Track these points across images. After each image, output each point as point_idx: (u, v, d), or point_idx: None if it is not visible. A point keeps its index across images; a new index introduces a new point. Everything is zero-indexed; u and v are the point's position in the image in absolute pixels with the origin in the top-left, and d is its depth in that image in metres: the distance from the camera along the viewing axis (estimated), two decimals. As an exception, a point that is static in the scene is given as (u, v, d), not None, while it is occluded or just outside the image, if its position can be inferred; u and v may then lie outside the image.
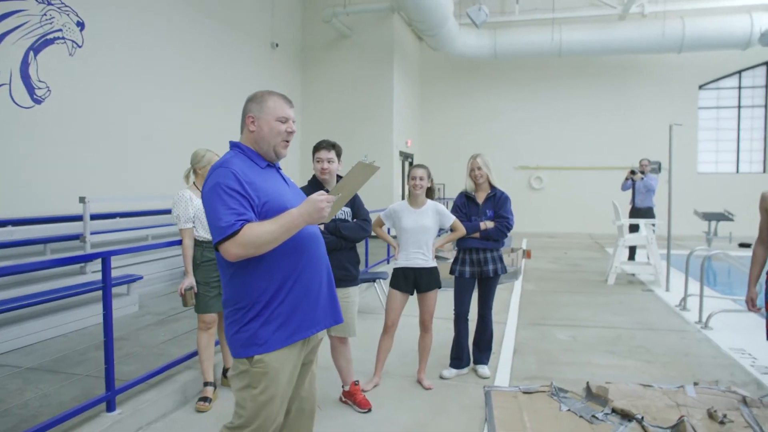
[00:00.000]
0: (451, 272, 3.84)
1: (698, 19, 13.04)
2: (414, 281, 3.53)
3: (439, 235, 3.79)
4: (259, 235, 1.63)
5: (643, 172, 8.46)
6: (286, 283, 1.76)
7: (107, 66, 7.26)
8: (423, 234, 3.53)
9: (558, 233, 15.02)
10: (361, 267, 7.33)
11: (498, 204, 3.78)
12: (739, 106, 15.36)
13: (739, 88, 15.29)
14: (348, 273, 3.12)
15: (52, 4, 6.47)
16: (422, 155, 15.72)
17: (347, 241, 3.08)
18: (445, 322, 4.63)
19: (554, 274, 8.27)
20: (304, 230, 1.78)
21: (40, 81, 6.31)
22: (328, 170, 3.09)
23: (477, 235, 3.72)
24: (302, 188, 3.05)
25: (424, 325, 3.63)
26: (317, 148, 3.11)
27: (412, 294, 3.57)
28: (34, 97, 6.25)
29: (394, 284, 3.58)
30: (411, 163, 15.11)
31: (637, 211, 8.48)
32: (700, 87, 15.28)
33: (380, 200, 11.48)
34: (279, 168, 1.97)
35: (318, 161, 3.09)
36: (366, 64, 13.15)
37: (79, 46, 6.84)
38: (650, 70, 15.16)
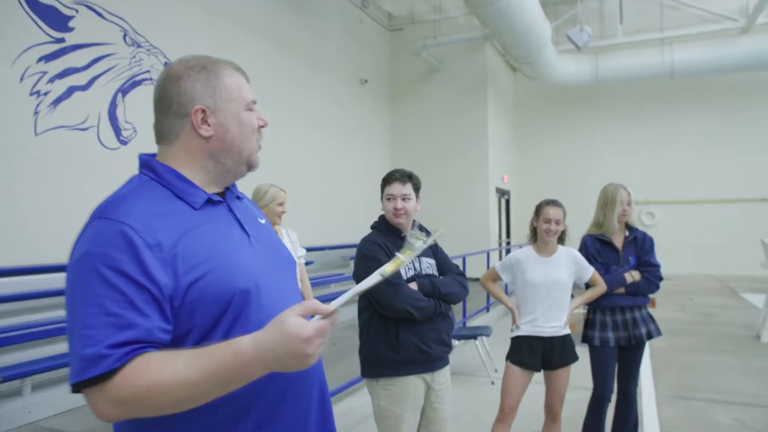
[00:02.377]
0: (586, 340, 2.97)
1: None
2: (542, 354, 2.71)
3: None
4: (161, 385, 0.84)
5: None
6: None
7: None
8: (556, 291, 2.71)
9: (676, 275, 13.32)
10: (458, 318, 6.53)
11: (643, 249, 2.91)
12: None
13: None
14: (447, 348, 2.34)
15: (141, 47, 6.43)
16: (520, 191, 14.73)
17: (447, 303, 2.31)
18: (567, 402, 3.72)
19: (686, 327, 6.99)
20: None
21: (126, 122, 6.21)
22: (404, 211, 2.29)
23: (622, 290, 2.85)
24: (368, 240, 2.30)
25: (552, 412, 2.79)
26: (387, 180, 2.34)
27: (538, 371, 2.75)
28: (121, 138, 6.15)
29: (514, 358, 2.76)
30: (508, 201, 14.17)
31: None
32: None
33: (474, 244, 10.66)
34: (237, 197, 1.16)
35: (389, 199, 2.30)
36: (458, 97, 12.54)
37: (167, 87, 6.74)
38: (780, 90, 13.38)
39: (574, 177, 14.29)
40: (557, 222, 2.71)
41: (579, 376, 3.09)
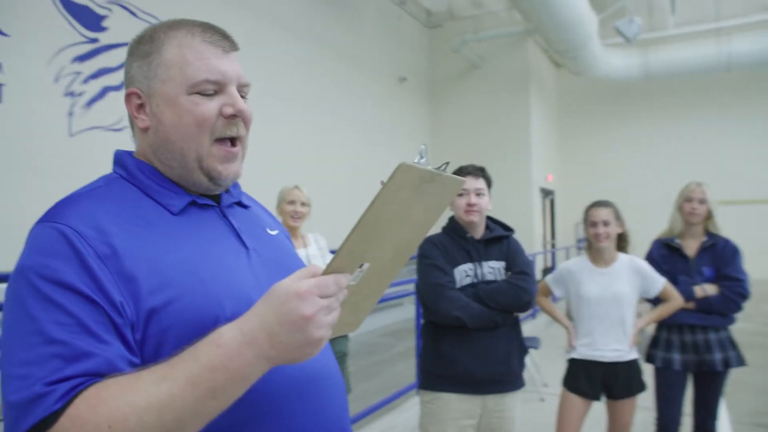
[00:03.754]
0: (649, 359, 2.60)
1: None
2: (603, 382, 2.36)
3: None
4: (126, 415, 0.60)
5: None
6: None
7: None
8: (616, 307, 2.35)
9: (734, 279, 12.54)
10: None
11: (723, 258, 2.52)
12: None
13: None
14: (508, 370, 1.98)
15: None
16: (566, 191, 14.17)
17: (505, 312, 1.96)
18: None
19: (754, 339, 6.44)
20: (288, 368, 0.74)
21: (160, 123, 6.12)
22: (477, 207, 2.02)
23: (690, 305, 2.48)
24: (427, 240, 2.03)
25: None
26: (459, 174, 2.04)
27: (598, 400, 2.40)
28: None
29: (570, 385, 2.42)
30: (553, 202, 13.64)
31: None
32: None
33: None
34: (238, 202, 0.92)
35: (461, 194, 2.03)
36: (499, 95, 12.12)
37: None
38: None
39: (624, 178, 13.65)
40: (606, 223, 2.37)
41: (642, 395, 2.73)
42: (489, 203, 2.09)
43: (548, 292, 2.56)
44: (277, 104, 7.94)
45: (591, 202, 2.49)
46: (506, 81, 12.13)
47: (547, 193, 13.23)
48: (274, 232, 0.95)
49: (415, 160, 0.72)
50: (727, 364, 2.49)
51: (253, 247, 0.85)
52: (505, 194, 11.85)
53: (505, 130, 12.07)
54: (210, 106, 0.80)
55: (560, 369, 2.54)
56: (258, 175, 7.66)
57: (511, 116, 12.04)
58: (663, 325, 2.57)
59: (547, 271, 11.49)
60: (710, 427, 2.55)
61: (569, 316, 2.55)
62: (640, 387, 2.38)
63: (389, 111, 10.82)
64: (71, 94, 5.22)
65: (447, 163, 0.75)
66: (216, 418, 0.65)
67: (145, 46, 0.82)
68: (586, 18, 9.96)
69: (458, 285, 1.98)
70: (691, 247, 2.58)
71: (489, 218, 2.16)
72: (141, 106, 0.82)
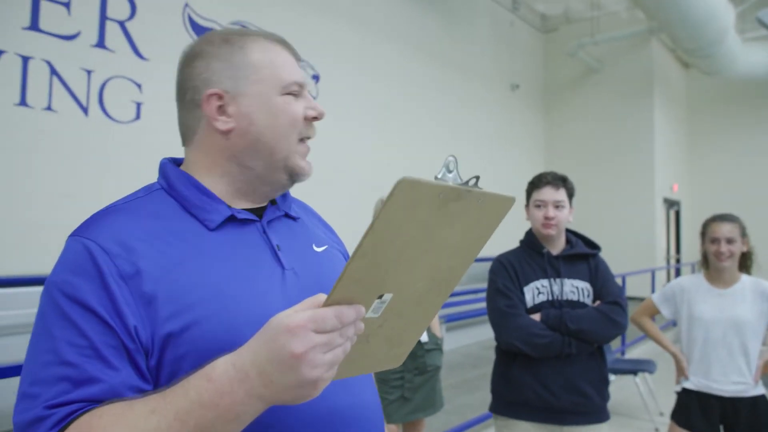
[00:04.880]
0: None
1: None
2: (722, 419, 2.12)
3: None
4: None
5: None
6: None
7: (342, 116, 7.25)
8: (736, 333, 2.11)
9: None
10: (614, 347, 5.76)
11: None
12: None
13: None
14: (585, 400, 1.83)
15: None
16: (693, 203, 13.00)
17: (581, 341, 1.82)
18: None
19: None
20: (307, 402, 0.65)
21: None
22: (555, 221, 1.89)
23: None
24: (496, 259, 1.96)
25: None
26: (536, 184, 1.95)
27: None
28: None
29: (681, 419, 2.20)
30: (678, 213, 12.58)
31: None
32: None
33: (637, 261, 9.53)
34: (286, 214, 0.87)
35: (538, 206, 1.92)
36: (619, 100, 11.42)
37: (314, 97, 6.92)
38: None
39: (758, 187, 12.24)
40: (729, 241, 2.11)
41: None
42: (570, 215, 1.94)
43: (654, 312, 2.33)
44: (389, 117, 8.09)
45: (712, 215, 2.24)
46: (627, 85, 11.41)
47: (671, 204, 12.22)
48: (321, 249, 0.88)
49: (438, 175, 0.64)
50: None
51: (290, 267, 0.80)
52: (624, 204, 11.13)
53: (625, 137, 11.34)
54: (299, 107, 0.81)
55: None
56: (371, 189, 7.84)
57: (632, 122, 11.29)
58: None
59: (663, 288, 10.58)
60: None
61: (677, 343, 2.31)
62: None
63: (500, 120, 10.61)
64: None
65: (477, 178, 0.64)
66: None
67: (222, 48, 0.80)
68: (722, 11, 9.10)
69: (531, 303, 1.87)
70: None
71: (571, 232, 2.01)
72: (220, 108, 0.79)
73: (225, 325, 0.69)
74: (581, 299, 1.89)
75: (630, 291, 5.45)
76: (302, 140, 0.82)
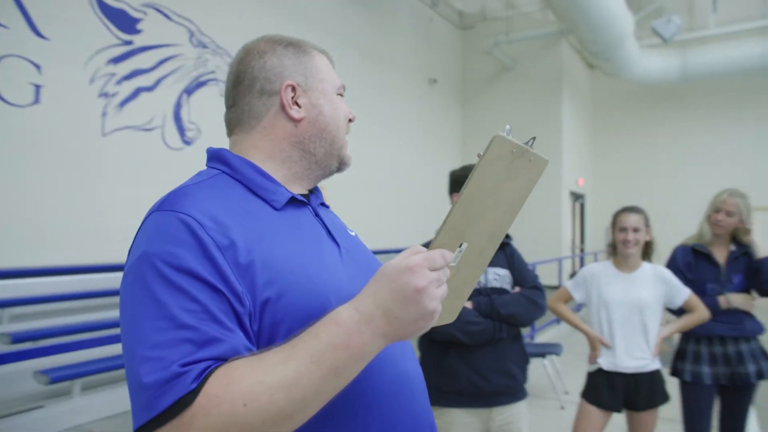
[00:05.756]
0: (676, 373, 2.52)
1: None
2: (625, 393, 2.29)
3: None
4: (259, 394, 0.62)
5: None
6: None
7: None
8: (638, 314, 2.29)
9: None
10: (523, 331, 6.06)
11: (760, 269, 2.42)
12: None
13: None
14: (513, 381, 1.96)
15: (207, 47, 6.43)
16: (597, 196, 13.89)
17: (511, 325, 1.94)
18: None
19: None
20: (376, 365, 0.76)
21: (190, 122, 6.23)
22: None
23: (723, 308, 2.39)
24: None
25: None
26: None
27: (620, 411, 2.33)
28: (185, 138, 6.17)
29: (590, 396, 2.35)
30: (583, 206, 13.38)
31: None
32: None
33: (545, 251, 10.03)
34: (322, 204, 0.96)
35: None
36: (531, 97, 11.97)
37: (232, 88, 6.73)
38: None
39: (660, 184, 13.28)
40: (636, 230, 2.31)
41: (667, 408, 2.64)
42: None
43: (568, 298, 2.49)
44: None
45: (621, 207, 2.43)
46: (539, 83, 11.97)
47: (577, 197, 12.99)
48: (353, 233, 1.00)
49: (505, 134, 0.71)
50: (760, 376, 2.38)
51: (343, 246, 0.89)
52: (534, 197, 11.58)
53: (536, 132, 11.71)
54: (347, 108, 0.97)
55: (582, 376, 2.48)
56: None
57: (543, 119, 11.87)
58: (690, 336, 2.48)
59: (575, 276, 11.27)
60: (739, 445, 2.45)
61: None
62: (664, 398, 2.31)
63: (419, 112, 10.79)
64: (105, 94, 5.37)
65: (533, 138, 0.75)
66: (319, 412, 0.67)
67: (289, 49, 0.91)
68: (622, 18, 9.74)
69: None
70: (720, 254, 2.48)
71: None
72: (295, 98, 0.89)
73: (313, 293, 0.75)
74: (503, 286, 1.99)
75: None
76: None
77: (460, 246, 0.71)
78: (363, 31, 9.14)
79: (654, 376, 2.30)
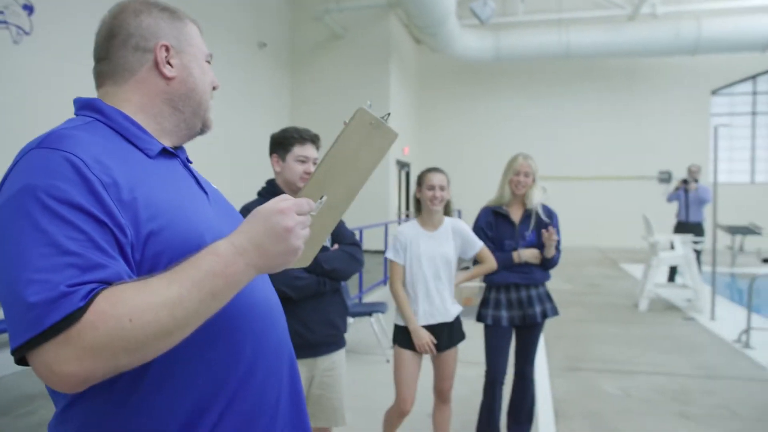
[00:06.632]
0: (480, 319, 2.84)
1: (715, 20, 12.21)
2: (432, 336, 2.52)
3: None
4: (144, 311, 0.68)
5: (696, 181, 7.52)
6: (208, 412, 0.82)
7: (60, 57, 6.27)
8: (445, 267, 2.52)
9: (566, 247, 13.97)
10: (352, 293, 6.33)
11: (548, 223, 2.80)
12: (754, 113, 14.55)
13: (754, 93, 14.49)
14: (335, 331, 2.07)
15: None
16: (421, 164, 14.77)
17: (333, 279, 2.04)
18: (463, 379, 3.64)
19: (575, 297, 7.30)
20: (246, 293, 0.85)
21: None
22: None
23: (541, 257, 2.77)
24: (247, 210, 1.97)
25: (442, 395, 2.62)
26: (297, 140, 2.03)
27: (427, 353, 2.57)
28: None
29: (402, 342, 2.53)
30: (408, 174, 14.16)
31: (685, 227, 7.51)
32: (713, 92, 14.47)
33: (373, 216, 10.45)
34: (188, 160, 1.03)
35: (302, 161, 2.01)
36: (360, 66, 12.21)
37: (27, 33, 5.85)
38: (661, 75, 14.36)
39: (475, 152, 14.57)
40: (441, 188, 2.51)
41: (477, 353, 2.98)
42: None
43: (401, 271, 2.54)
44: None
45: (426, 167, 2.64)
46: (367, 53, 12.24)
47: (403, 165, 13.70)
48: (215, 186, 1.08)
49: (367, 107, 0.85)
50: (544, 315, 2.79)
51: (211, 194, 0.99)
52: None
53: (364, 101, 12.13)
54: (213, 75, 1.04)
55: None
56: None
57: (371, 88, 12.19)
58: (491, 286, 2.81)
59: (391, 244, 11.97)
60: (528, 372, 2.86)
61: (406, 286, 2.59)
62: (461, 337, 2.60)
63: (246, 77, 10.40)
64: None
65: (389, 114, 0.89)
66: (200, 328, 0.75)
67: (165, 13, 0.97)
68: (444, -4, 10.34)
69: None
70: (515, 214, 2.83)
71: None
72: (167, 58, 0.95)
73: (190, 229, 0.84)
74: (324, 243, 2.06)
75: (366, 244, 6.04)
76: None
77: (321, 198, 0.84)
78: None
79: (454, 320, 2.56)
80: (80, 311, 0.66)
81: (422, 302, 2.50)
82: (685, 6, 12.54)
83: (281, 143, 2.03)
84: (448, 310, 2.53)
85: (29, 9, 5.88)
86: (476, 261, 2.68)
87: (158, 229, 0.80)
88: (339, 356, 2.11)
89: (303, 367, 1.99)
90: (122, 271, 0.73)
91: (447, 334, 2.53)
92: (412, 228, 2.58)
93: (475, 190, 8.74)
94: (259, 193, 2.10)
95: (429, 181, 2.51)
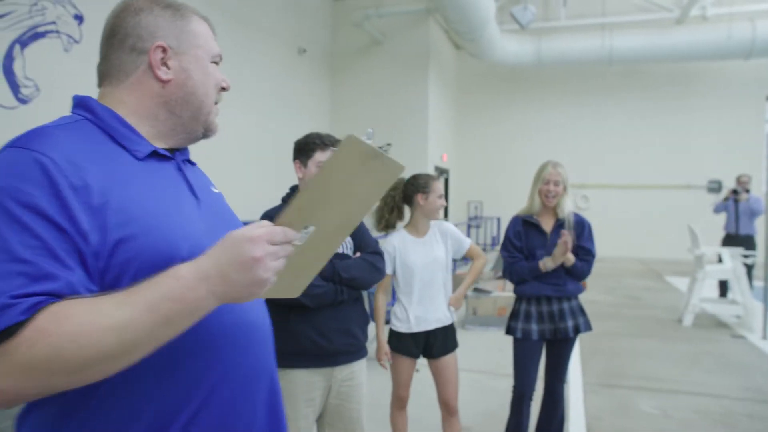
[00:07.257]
0: (509, 332, 2.76)
1: (770, 22, 11.68)
2: (424, 344, 2.52)
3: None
4: (89, 333, 0.65)
5: (747, 191, 7.16)
6: None
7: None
8: (439, 271, 2.53)
9: (606, 257, 13.66)
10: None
11: (578, 232, 2.71)
12: (812, 120, 13.85)
13: (812, 99, 13.80)
14: (355, 341, 2.04)
15: (45, -6, 5.72)
16: (459, 170, 14.66)
17: (352, 288, 2.00)
18: (493, 392, 3.54)
19: (613, 310, 7.06)
20: (222, 313, 0.82)
21: (26, 79, 5.54)
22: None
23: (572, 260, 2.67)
24: (269, 217, 2.03)
25: (448, 407, 2.58)
26: (319, 146, 2.00)
27: (418, 358, 2.56)
28: (19, 96, 5.49)
29: (398, 348, 2.52)
30: (447, 180, 14.06)
31: (734, 239, 7.11)
32: (768, 98, 13.85)
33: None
34: (188, 161, 1.00)
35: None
36: (399, 72, 12.20)
37: (77, 41, 6.08)
38: (711, 79, 13.83)
39: (514, 158, 14.34)
40: (440, 196, 2.58)
41: (508, 365, 2.90)
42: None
43: (388, 280, 2.55)
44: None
45: (424, 174, 2.65)
46: (407, 59, 12.23)
47: (441, 172, 13.61)
48: (216, 191, 1.04)
49: (363, 137, 0.78)
50: (577, 330, 2.69)
51: (203, 200, 0.94)
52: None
53: (404, 108, 12.20)
54: (219, 75, 0.98)
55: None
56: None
57: (410, 94, 12.18)
58: (521, 297, 2.73)
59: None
60: (558, 389, 2.76)
61: (397, 295, 2.61)
62: (454, 345, 2.57)
63: (287, 82, 10.55)
64: None
65: (389, 144, 0.85)
66: (162, 347, 0.72)
67: (167, 11, 0.93)
68: (485, 2, 10.24)
69: None
70: (547, 223, 2.74)
71: None
72: (162, 60, 0.91)
73: (164, 238, 0.79)
74: (345, 251, 2.05)
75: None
76: (215, 103, 0.99)
77: (306, 228, 0.78)
78: (228, -8, 8.68)
79: (448, 328, 2.54)
80: (19, 326, 0.63)
81: (415, 309, 2.50)
82: (738, 7, 12.05)
83: (303, 149, 2.02)
84: (441, 315, 2.52)
85: (79, 18, 6.12)
86: (469, 258, 2.71)
87: (129, 236, 0.76)
88: (359, 366, 2.08)
89: (320, 376, 1.97)
90: (77, 282, 0.70)
91: (441, 340, 2.52)
92: (399, 238, 2.57)
93: (514, 197, 8.60)
94: (283, 199, 2.09)
95: (439, 190, 2.56)
